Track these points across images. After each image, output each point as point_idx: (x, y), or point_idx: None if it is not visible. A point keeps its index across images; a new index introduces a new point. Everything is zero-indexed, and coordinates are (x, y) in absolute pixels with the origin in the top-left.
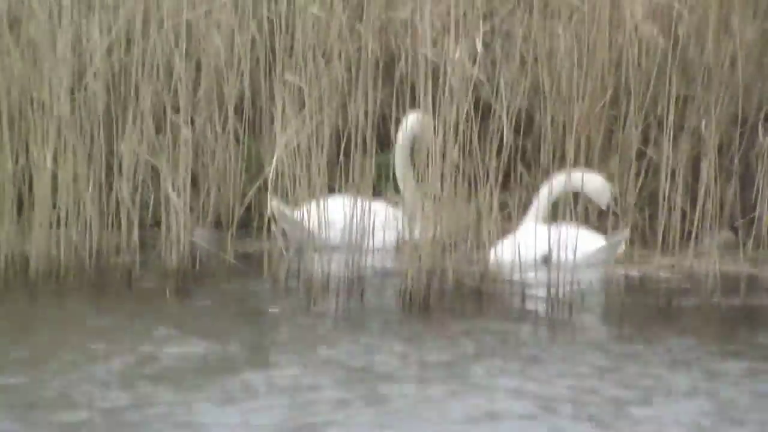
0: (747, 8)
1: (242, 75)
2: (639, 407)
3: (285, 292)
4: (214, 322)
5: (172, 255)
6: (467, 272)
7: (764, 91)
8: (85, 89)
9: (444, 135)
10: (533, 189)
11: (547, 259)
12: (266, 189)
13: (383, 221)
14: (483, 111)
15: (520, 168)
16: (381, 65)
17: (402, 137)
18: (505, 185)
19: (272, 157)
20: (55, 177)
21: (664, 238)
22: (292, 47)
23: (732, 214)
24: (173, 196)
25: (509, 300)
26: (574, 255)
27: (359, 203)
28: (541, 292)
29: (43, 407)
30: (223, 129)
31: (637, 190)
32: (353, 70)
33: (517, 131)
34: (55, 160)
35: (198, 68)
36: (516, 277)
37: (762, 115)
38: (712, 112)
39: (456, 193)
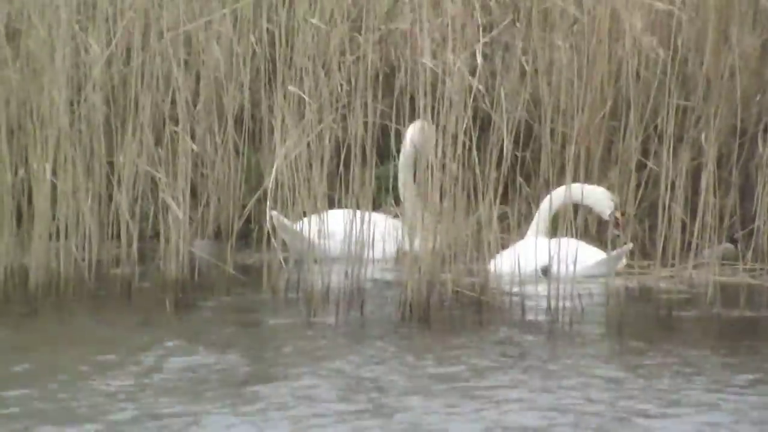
0: (746, 20)
1: (242, 86)
2: (644, 419)
3: (285, 304)
4: (214, 333)
5: (171, 266)
6: (467, 284)
7: (763, 102)
8: (85, 101)
9: (443, 146)
10: (533, 201)
11: (546, 271)
12: (266, 200)
13: (383, 232)
14: (483, 122)
15: (519, 179)
16: (381, 77)
17: (405, 146)
18: (504, 197)
19: (272, 169)
20: (54, 189)
21: (664, 249)
22: (291, 58)
23: (731, 225)
24: (173, 205)
25: (509, 311)
26: (575, 268)
27: (359, 214)
28: (542, 304)
29: (49, 421)
30: (223, 140)
31: (637, 202)
32: (353, 81)
33: (516, 143)
34: (54, 172)
35: (197, 80)
36: (516, 288)
37: (761, 127)
38: (712, 124)
39: (455, 204)
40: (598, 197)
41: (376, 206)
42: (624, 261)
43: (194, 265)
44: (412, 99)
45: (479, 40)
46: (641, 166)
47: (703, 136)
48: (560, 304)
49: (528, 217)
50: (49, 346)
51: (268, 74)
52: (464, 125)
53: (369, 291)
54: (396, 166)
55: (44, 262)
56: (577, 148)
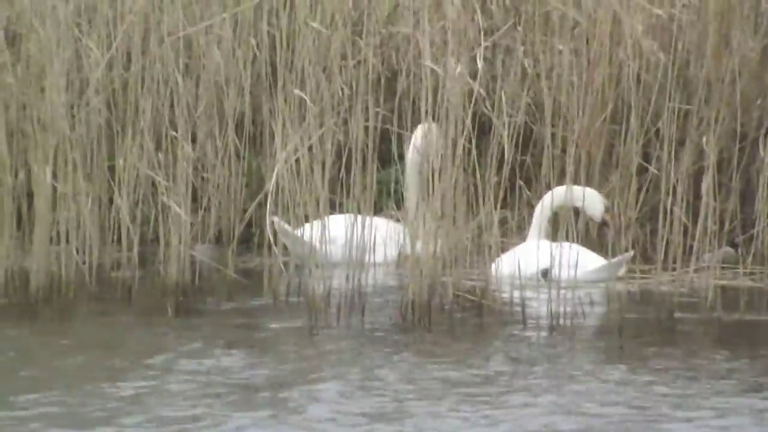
0: (747, 24)
1: (243, 90)
2: (646, 422)
3: (286, 308)
4: (216, 338)
5: (172, 270)
6: (468, 287)
7: (764, 106)
8: (86, 105)
9: (444, 150)
10: (534, 205)
11: (546, 274)
12: (267, 204)
13: (384, 236)
14: (483, 126)
15: (520, 183)
16: (382, 81)
17: (411, 147)
18: (505, 201)
19: (273, 173)
20: (55, 192)
21: (665, 252)
22: (292, 62)
23: (732, 229)
24: (175, 207)
25: (510, 315)
26: (575, 274)
27: (360, 219)
28: (543, 308)
29: (59, 425)
30: (224, 144)
31: (638, 205)
32: (354, 85)
33: (517, 146)
34: (55, 175)
35: (198, 84)
36: (516, 292)
37: (762, 131)
38: (713, 128)
39: (456, 208)
40: (589, 199)
41: (378, 210)
42: (624, 267)
43: (195, 269)
44: (414, 103)
45: (480, 44)
46: (642, 170)
47: (703, 140)
48: (561, 307)
49: (528, 221)
50: (51, 350)
51: (269, 78)
52: (464, 129)
53: (370, 295)
54: (397, 170)
55: (45, 265)
56: (578, 152)
